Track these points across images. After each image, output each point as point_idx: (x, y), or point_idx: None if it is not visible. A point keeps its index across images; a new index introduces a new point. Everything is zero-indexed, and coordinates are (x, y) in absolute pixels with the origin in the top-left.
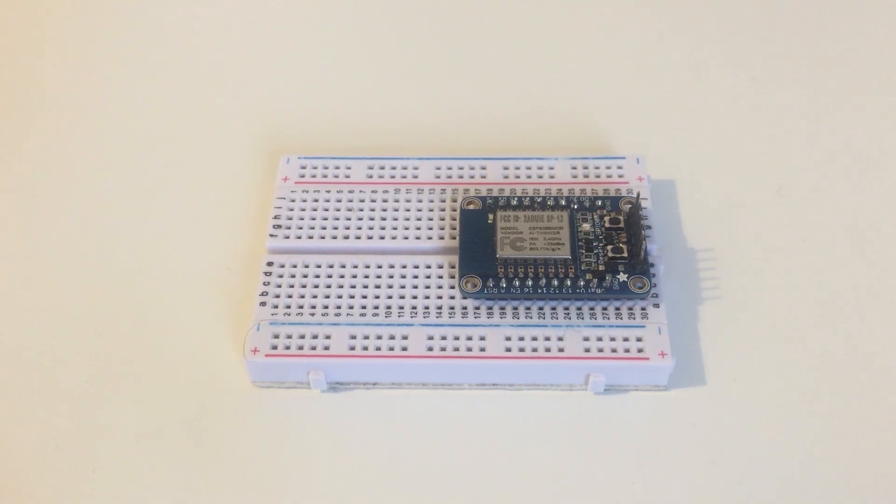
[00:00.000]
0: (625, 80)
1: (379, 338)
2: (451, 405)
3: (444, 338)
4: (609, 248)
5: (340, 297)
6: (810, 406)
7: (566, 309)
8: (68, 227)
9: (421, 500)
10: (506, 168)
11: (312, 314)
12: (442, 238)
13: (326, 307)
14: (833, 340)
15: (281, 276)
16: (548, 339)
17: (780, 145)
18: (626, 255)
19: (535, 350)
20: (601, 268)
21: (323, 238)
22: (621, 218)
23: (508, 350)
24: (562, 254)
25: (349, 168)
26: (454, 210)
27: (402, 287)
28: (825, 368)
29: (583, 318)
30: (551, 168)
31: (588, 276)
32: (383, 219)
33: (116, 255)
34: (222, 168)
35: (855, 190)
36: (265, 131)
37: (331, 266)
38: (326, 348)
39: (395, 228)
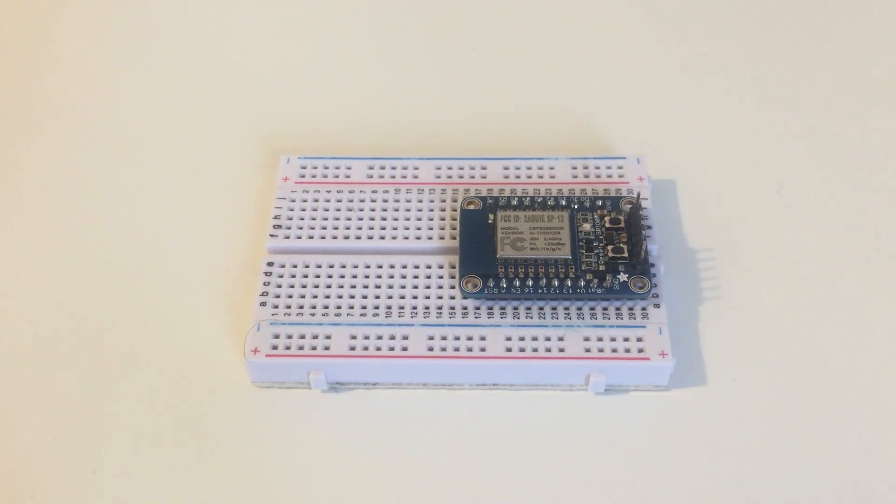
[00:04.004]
0: (625, 80)
1: (379, 338)
2: (451, 405)
3: (444, 338)
4: (609, 248)
5: (340, 297)
6: (810, 406)
7: (566, 309)
8: (68, 227)
9: (421, 500)
10: (506, 168)
11: (312, 314)
12: (442, 238)
13: (326, 307)
14: (833, 340)
15: (281, 276)
16: (548, 339)
17: (780, 145)
18: (626, 255)
19: (535, 350)
20: (601, 268)
21: (323, 238)
22: (622, 218)
23: (508, 350)
24: (562, 254)
25: (349, 168)
26: (454, 210)
27: (403, 287)
28: (825, 368)
29: (583, 318)
30: (551, 168)
31: (588, 276)
32: (383, 219)
33: (116, 255)
34: (222, 168)
35: (855, 190)
36: (265, 131)
37: (331, 266)
38: (327, 348)
39: (396, 228)
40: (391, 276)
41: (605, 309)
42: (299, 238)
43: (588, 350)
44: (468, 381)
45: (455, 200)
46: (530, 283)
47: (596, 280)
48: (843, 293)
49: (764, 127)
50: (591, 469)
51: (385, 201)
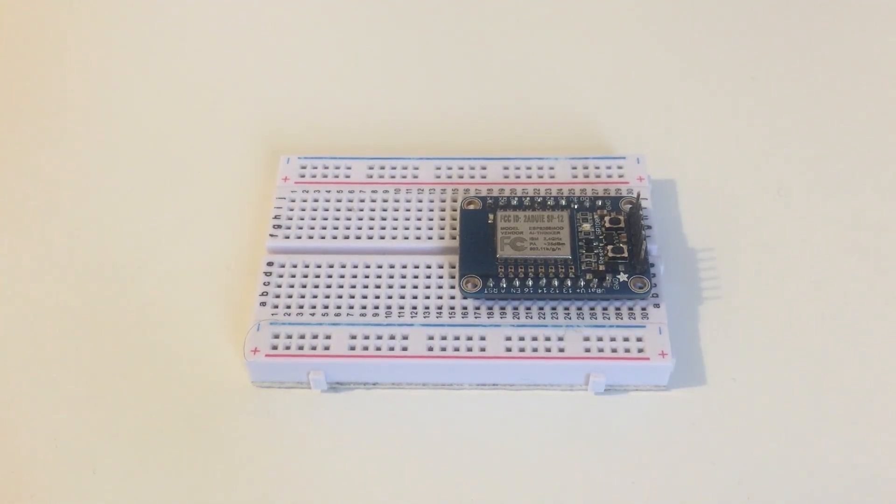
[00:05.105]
0: (625, 80)
1: (379, 338)
2: (451, 405)
3: (444, 338)
4: (609, 248)
5: (340, 297)
6: (810, 406)
7: (566, 309)
8: (68, 227)
9: (421, 499)
10: (506, 168)
11: (312, 314)
12: (442, 238)
13: (326, 307)
14: (833, 340)
15: (281, 276)
16: (548, 339)
17: (780, 145)
18: (626, 255)
19: (535, 350)
20: (601, 268)
21: (323, 238)
22: (621, 218)
23: (508, 350)
24: (562, 254)
25: (349, 168)
26: (454, 210)
27: (402, 287)
28: (825, 368)
29: (583, 318)
30: (551, 168)
31: (588, 276)
32: (383, 219)
33: (116, 255)
34: (222, 168)
35: (855, 190)
36: (265, 131)
37: (331, 266)
38: (326, 348)
39: (395, 228)
40: (391, 276)
41: (604, 309)
42: (299, 238)
43: (588, 350)
44: (468, 381)
45: (455, 200)
46: (530, 283)
47: (596, 280)
48: (842, 293)
49: (764, 127)
50: (591, 469)
51: (385, 201)
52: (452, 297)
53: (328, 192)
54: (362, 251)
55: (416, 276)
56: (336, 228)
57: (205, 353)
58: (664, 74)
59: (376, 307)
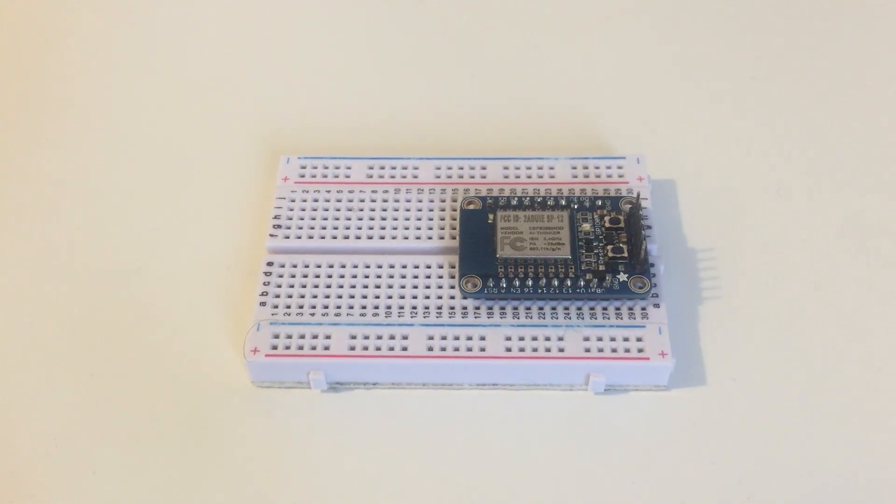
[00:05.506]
0: (625, 80)
1: (379, 338)
2: (451, 405)
3: (444, 338)
4: (609, 247)
5: (340, 297)
6: (810, 406)
7: (566, 309)
8: (69, 227)
9: (421, 500)
10: (506, 168)
11: (312, 314)
12: (442, 238)
13: (326, 307)
14: (833, 340)
15: (281, 276)
16: (548, 339)
17: (780, 145)
18: (626, 255)
19: (535, 350)
20: (601, 268)
21: (323, 238)
22: (621, 218)
23: (508, 350)
24: (562, 254)
25: (349, 168)
26: (454, 210)
27: (402, 287)
28: (824, 368)
29: (583, 318)
30: (551, 168)
31: (588, 276)
32: (383, 219)
33: (116, 255)
34: (222, 168)
35: (855, 190)
36: (265, 131)
37: (331, 266)
38: (326, 348)
39: (395, 228)
40: (391, 276)
41: (604, 309)
42: (299, 238)
43: (588, 350)
44: (468, 381)
45: (455, 200)
46: (530, 283)
47: (596, 280)
48: (842, 293)
49: (764, 127)
50: (591, 469)
51: (385, 201)
52: (452, 297)
53: (328, 192)
54: (362, 251)
55: (416, 276)
56: (336, 228)
57: (205, 353)
58: (664, 74)
59: (376, 307)
